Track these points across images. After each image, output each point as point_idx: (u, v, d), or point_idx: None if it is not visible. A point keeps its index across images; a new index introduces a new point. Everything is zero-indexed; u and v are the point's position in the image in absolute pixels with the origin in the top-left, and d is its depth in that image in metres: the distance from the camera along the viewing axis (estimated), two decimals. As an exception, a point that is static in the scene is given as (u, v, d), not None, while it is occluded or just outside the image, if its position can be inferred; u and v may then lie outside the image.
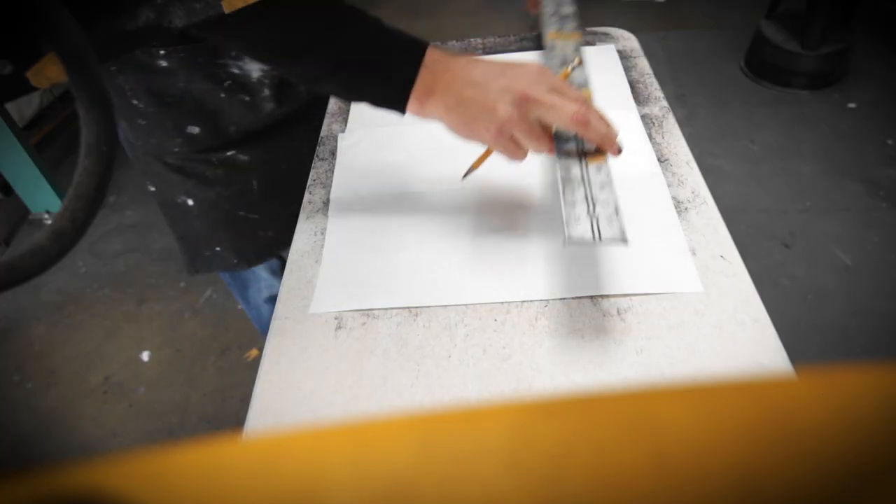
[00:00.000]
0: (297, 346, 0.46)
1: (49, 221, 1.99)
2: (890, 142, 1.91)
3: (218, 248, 0.80)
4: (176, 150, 0.71)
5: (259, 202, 0.76)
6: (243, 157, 0.73)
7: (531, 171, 0.58)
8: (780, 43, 2.10)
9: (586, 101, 0.45)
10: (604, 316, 0.45)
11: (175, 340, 1.58)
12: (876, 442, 0.11)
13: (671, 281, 0.47)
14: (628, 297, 0.46)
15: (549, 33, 0.64)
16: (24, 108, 2.11)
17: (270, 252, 0.81)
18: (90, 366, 1.55)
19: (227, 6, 0.43)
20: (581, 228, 0.40)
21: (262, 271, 0.86)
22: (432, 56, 0.47)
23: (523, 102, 0.44)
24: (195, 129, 0.69)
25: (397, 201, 0.58)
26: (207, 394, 1.46)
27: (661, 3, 2.75)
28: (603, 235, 0.40)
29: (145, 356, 1.56)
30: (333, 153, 0.65)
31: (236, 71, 0.66)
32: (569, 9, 0.68)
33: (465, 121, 0.46)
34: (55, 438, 1.41)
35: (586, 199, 0.43)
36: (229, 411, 1.42)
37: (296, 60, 0.48)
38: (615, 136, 0.45)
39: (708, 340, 0.43)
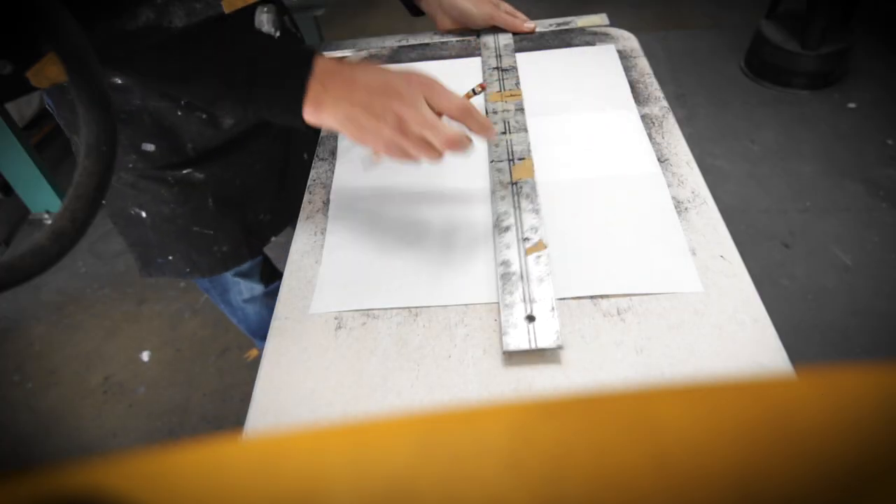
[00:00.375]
0: (297, 346, 0.46)
1: (49, 221, 1.99)
2: (890, 142, 1.91)
3: (171, 258, 0.78)
4: (130, 166, 0.70)
5: (214, 218, 0.75)
6: (199, 176, 0.71)
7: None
8: (780, 43, 2.09)
9: (464, 110, 0.47)
10: (604, 316, 0.45)
11: (175, 340, 1.58)
12: (876, 442, 0.11)
13: (671, 281, 0.46)
14: (628, 297, 0.46)
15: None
16: (24, 108, 2.11)
17: (225, 266, 0.80)
18: (90, 366, 1.55)
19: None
20: (517, 338, 0.42)
21: (232, 275, 0.85)
22: (321, 66, 0.48)
23: (402, 122, 0.46)
24: (150, 147, 0.68)
25: (397, 201, 0.58)
26: (207, 394, 1.46)
27: (661, 3, 2.75)
28: (539, 343, 0.42)
29: (145, 356, 1.56)
30: (333, 153, 0.65)
31: None
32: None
33: (358, 135, 0.48)
34: (55, 438, 1.41)
35: (524, 298, 0.45)
36: (229, 411, 1.42)
37: (186, 85, 0.49)
38: (492, 132, 0.49)
39: (708, 340, 0.43)
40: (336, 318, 0.48)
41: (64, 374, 1.54)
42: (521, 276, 0.46)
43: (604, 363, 0.42)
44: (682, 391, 0.13)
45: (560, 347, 0.42)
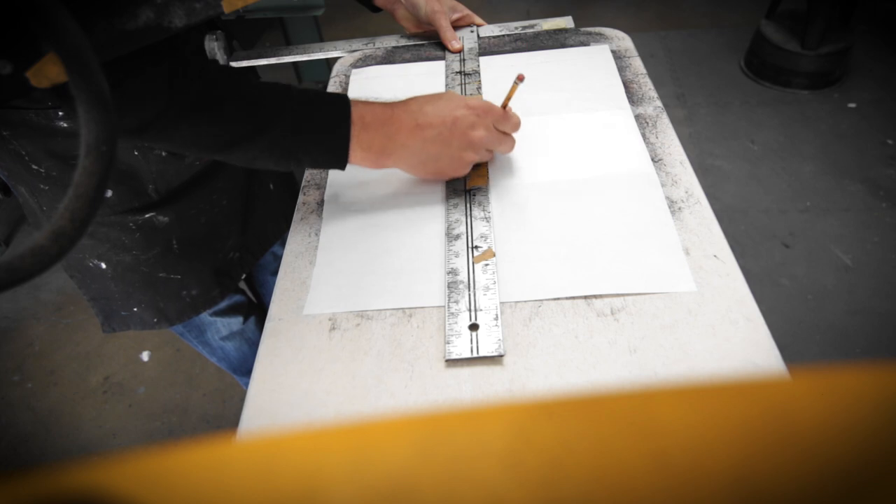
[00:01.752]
0: (291, 347, 0.46)
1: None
2: (890, 142, 1.91)
3: (135, 309, 0.72)
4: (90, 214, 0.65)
5: (180, 262, 0.70)
6: (162, 219, 0.66)
7: (523, 174, 0.59)
8: (780, 43, 2.10)
9: (516, 125, 0.57)
10: (598, 316, 0.45)
11: (175, 340, 1.58)
12: (875, 442, 0.11)
13: (665, 281, 0.47)
14: (622, 297, 0.46)
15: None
16: (24, 108, 2.11)
17: (195, 310, 0.74)
18: (90, 366, 1.55)
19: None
20: (459, 346, 0.43)
21: (209, 315, 0.80)
22: (359, 112, 0.51)
23: (479, 146, 0.54)
24: (108, 193, 0.62)
25: (391, 202, 0.58)
26: (207, 394, 1.46)
27: (661, 3, 2.75)
28: (481, 351, 0.43)
29: (145, 356, 1.56)
30: None
31: None
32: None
33: (435, 171, 0.55)
34: (55, 438, 1.41)
35: (469, 307, 0.46)
36: (229, 411, 1.42)
37: (228, 153, 0.49)
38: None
39: (702, 340, 0.43)
40: (330, 319, 0.48)
41: (64, 374, 1.54)
42: (468, 285, 0.47)
43: (598, 363, 0.42)
44: (681, 391, 0.13)
45: (501, 355, 0.43)
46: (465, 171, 0.56)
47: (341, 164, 0.52)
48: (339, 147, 0.51)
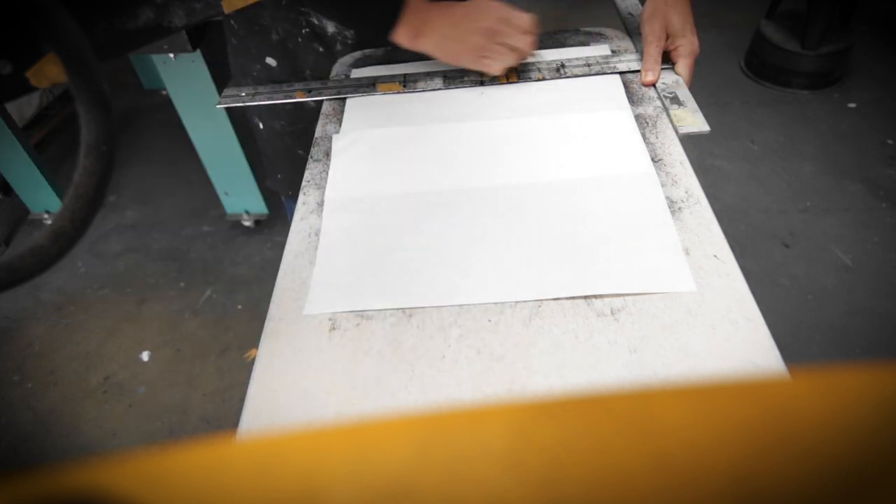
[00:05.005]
0: (291, 347, 0.46)
1: (49, 221, 1.99)
2: (890, 142, 1.91)
3: (279, 175, 0.88)
4: (254, 74, 0.79)
5: None
6: (311, 104, 0.79)
7: (524, 174, 0.59)
8: (780, 43, 2.09)
9: (533, 24, 0.67)
10: (597, 316, 0.45)
11: (175, 340, 1.58)
12: (875, 442, 0.11)
13: (665, 281, 0.46)
14: (622, 297, 0.46)
15: None
16: (24, 108, 2.11)
17: None
18: (90, 366, 1.55)
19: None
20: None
21: None
22: (415, 4, 0.65)
23: (489, 34, 0.65)
24: (273, 62, 0.77)
25: (391, 202, 0.57)
26: (207, 394, 1.46)
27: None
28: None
29: (145, 356, 1.56)
30: (328, 154, 0.65)
31: (315, 21, 0.75)
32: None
33: (450, 51, 0.67)
34: (55, 438, 1.41)
35: None
36: (229, 411, 1.42)
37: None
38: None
39: (702, 340, 0.43)
40: (330, 320, 0.48)
41: (64, 374, 1.54)
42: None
43: (598, 363, 0.42)
44: (681, 392, 0.13)
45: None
46: (480, 63, 0.67)
47: (392, 27, 0.66)
48: (395, 10, 0.65)
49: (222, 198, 1.78)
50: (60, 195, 1.93)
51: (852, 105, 2.07)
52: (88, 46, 0.25)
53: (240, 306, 1.66)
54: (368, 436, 0.13)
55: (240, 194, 1.76)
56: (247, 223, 1.84)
